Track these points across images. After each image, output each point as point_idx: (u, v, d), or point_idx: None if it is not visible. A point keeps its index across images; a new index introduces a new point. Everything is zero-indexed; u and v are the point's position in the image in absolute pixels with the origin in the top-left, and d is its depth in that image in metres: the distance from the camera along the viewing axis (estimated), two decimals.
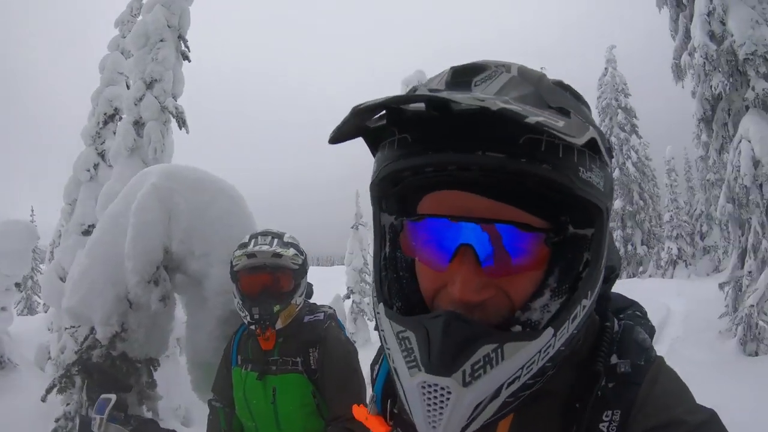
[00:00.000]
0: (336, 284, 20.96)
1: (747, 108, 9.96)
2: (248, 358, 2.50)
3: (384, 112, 0.67)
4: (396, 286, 0.81)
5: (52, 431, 5.55)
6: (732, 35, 9.75)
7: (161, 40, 7.88)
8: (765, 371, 8.20)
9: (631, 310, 0.94)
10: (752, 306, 9.51)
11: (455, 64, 0.74)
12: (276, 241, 2.50)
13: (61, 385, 3.89)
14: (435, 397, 0.63)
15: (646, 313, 0.93)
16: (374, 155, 0.77)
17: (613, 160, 0.68)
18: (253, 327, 2.40)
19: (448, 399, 0.63)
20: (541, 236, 0.68)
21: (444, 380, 0.63)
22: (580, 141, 0.58)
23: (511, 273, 0.69)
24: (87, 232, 9.37)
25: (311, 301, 2.67)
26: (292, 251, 2.49)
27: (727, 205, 10.41)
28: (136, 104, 7.94)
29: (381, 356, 1.01)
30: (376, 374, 1.01)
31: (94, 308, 3.28)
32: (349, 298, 20.50)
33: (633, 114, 25.85)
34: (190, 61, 8.63)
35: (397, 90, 13.74)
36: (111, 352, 3.26)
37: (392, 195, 0.80)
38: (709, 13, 10.12)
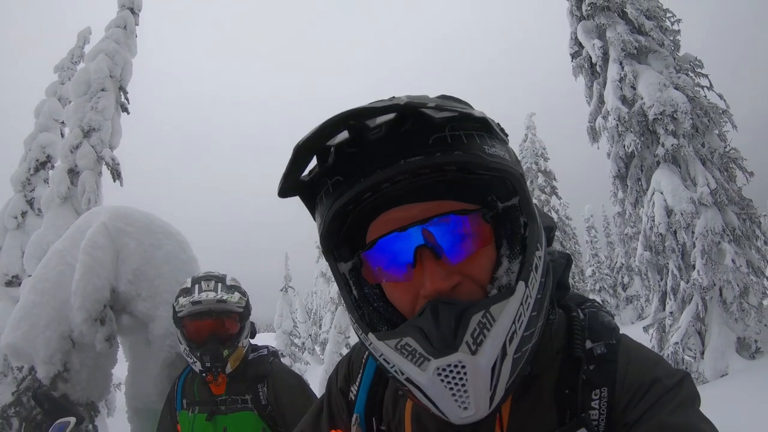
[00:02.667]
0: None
1: (658, 163, 10.82)
2: (195, 400, 2.47)
3: (315, 164, 0.76)
4: (376, 316, 0.86)
5: None
6: (642, 98, 10.72)
7: (102, 90, 7.81)
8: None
9: (589, 302, 0.99)
10: (677, 343, 10.11)
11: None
12: (220, 285, 2.50)
13: None
14: (453, 377, 0.68)
15: (602, 305, 0.99)
16: (312, 213, 0.84)
17: (509, 137, 0.84)
18: (204, 375, 2.37)
19: (465, 372, 0.68)
20: (477, 216, 0.78)
21: (454, 356, 0.68)
22: (477, 114, 0.72)
23: (466, 254, 0.77)
24: (10, 283, 8.92)
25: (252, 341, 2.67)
26: (236, 295, 2.50)
27: (645, 253, 11.10)
28: (72, 152, 7.76)
29: (358, 379, 1.05)
30: (355, 396, 1.04)
31: (36, 346, 3.13)
32: None
33: (552, 176, 26.86)
34: (129, 113, 8.57)
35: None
36: (52, 393, 3.13)
37: (342, 242, 0.86)
38: (621, 79, 11.11)
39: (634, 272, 24.55)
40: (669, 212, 10.41)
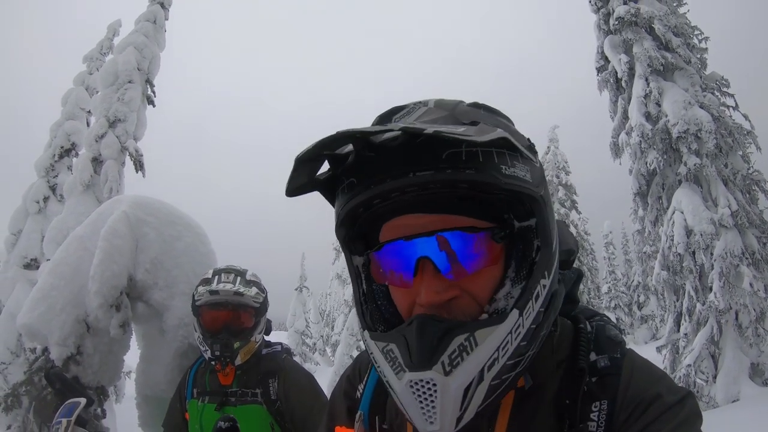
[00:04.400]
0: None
1: (680, 182, 10.69)
2: (205, 390, 2.50)
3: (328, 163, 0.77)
4: (377, 313, 0.88)
5: None
6: (666, 115, 10.59)
7: (129, 82, 7.93)
8: (705, 427, 8.46)
9: (599, 316, 0.99)
10: (689, 366, 9.95)
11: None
12: (239, 279, 2.53)
13: (6, 404, 3.73)
14: (424, 392, 0.70)
15: (610, 320, 0.99)
16: (333, 205, 0.84)
17: (538, 155, 0.81)
18: (213, 363, 2.41)
19: (435, 390, 0.69)
20: (487, 234, 0.77)
21: (426, 374, 0.69)
22: (481, 139, 0.65)
23: (467, 272, 0.77)
24: (29, 266, 9.06)
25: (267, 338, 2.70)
26: (254, 290, 2.53)
27: (662, 272, 10.96)
28: (96, 141, 7.89)
29: (365, 377, 1.07)
30: (361, 394, 1.06)
31: (51, 327, 3.20)
32: None
33: (573, 190, 26.57)
34: (154, 106, 8.70)
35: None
36: (65, 374, 3.18)
37: (356, 236, 0.88)
38: (646, 96, 11.00)
39: (651, 291, 24.27)
40: (688, 232, 10.28)
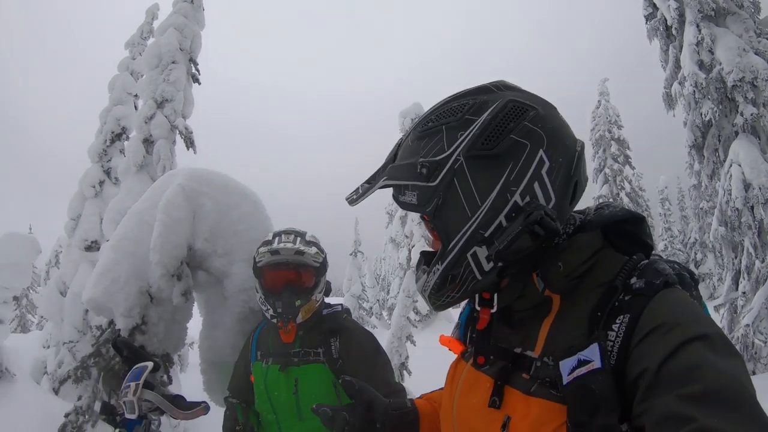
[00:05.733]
0: None
1: (736, 133, 10.21)
2: (269, 352, 2.57)
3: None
4: None
5: (62, 426, 5.53)
6: (720, 63, 10.05)
7: (173, 62, 8.06)
8: (762, 390, 8.20)
9: (672, 261, 1.02)
10: (747, 326, 9.63)
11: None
12: (299, 239, 2.57)
13: (76, 376, 3.89)
14: None
15: (685, 266, 1.02)
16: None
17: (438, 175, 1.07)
18: (275, 320, 2.47)
19: None
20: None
21: None
22: (374, 189, 1.12)
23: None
24: (90, 248, 9.42)
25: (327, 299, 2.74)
26: (314, 249, 2.56)
27: (719, 228, 10.57)
28: (146, 122, 8.08)
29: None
30: (464, 307, 1.26)
31: (116, 300, 3.29)
32: None
33: (626, 145, 25.86)
34: (200, 84, 8.82)
35: (394, 120, 14.10)
36: (131, 341, 3.28)
37: None
38: (698, 43, 10.44)
39: (708, 249, 23.47)
40: (746, 186, 9.81)
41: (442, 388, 1.39)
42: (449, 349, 1.26)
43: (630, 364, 0.83)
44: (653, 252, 1.06)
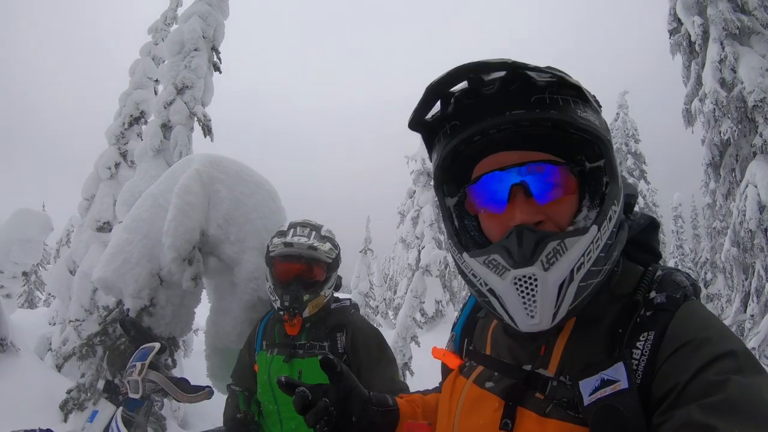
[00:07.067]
0: None
1: (754, 154, 10.09)
2: (274, 342, 2.56)
3: (438, 107, 0.95)
4: (471, 242, 1.03)
5: (63, 402, 5.57)
6: (742, 82, 9.92)
7: (195, 50, 8.08)
8: None
9: (680, 271, 1.01)
10: (754, 349, 9.49)
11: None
12: (313, 233, 2.57)
13: (81, 353, 3.92)
14: (526, 287, 0.85)
15: (690, 276, 1.00)
16: (429, 152, 1.03)
17: (602, 108, 0.97)
18: (282, 312, 2.48)
19: (536, 283, 0.84)
20: (566, 168, 0.93)
21: (529, 269, 0.84)
22: (567, 79, 0.86)
23: (553, 197, 0.92)
24: (101, 229, 9.49)
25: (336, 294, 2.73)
26: (327, 245, 2.56)
27: (732, 249, 10.45)
28: (165, 107, 8.11)
29: (462, 307, 1.27)
30: (457, 318, 1.27)
31: (126, 281, 3.33)
32: None
33: (642, 160, 25.61)
34: (221, 73, 8.83)
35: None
36: (139, 322, 3.31)
37: (450, 180, 1.06)
38: (721, 61, 10.31)
39: (719, 269, 23.17)
40: (762, 208, 9.68)
41: (424, 391, 1.46)
42: (444, 363, 1.21)
43: (657, 382, 0.80)
44: (661, 259, 1.08)
